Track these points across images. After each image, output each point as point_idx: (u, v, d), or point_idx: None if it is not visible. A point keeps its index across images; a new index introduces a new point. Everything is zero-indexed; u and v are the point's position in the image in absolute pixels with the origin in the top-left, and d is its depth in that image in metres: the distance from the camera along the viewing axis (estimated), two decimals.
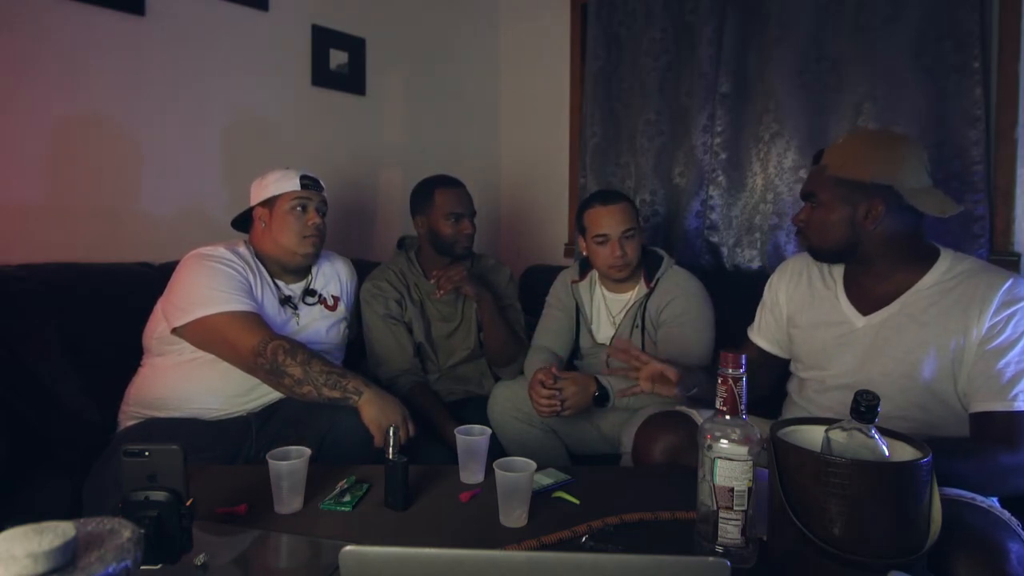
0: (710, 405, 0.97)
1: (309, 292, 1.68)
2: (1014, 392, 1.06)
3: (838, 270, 1.35)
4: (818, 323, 1.32)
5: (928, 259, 1.21)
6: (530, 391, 1.58)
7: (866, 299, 1.26)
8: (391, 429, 1.12)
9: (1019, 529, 1.04)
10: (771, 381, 1.47)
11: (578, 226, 1.80)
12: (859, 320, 1.26)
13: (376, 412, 1.36)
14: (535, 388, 1.56)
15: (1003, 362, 1.08)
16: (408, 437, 1.37)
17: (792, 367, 1.42)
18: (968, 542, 0.85)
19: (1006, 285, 1.12)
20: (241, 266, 1.53)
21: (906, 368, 1.16)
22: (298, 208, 1.59)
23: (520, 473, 1.02)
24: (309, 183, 1.62)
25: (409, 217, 1.98)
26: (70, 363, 1.50)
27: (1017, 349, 1.08)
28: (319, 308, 1.69)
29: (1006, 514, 1.07)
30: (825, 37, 2.00)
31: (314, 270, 1.73)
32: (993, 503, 1.09)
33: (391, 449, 1.10)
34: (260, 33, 2.12)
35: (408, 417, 1.38)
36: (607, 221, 1.69)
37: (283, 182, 1.60)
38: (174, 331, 1.45)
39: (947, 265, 1.19)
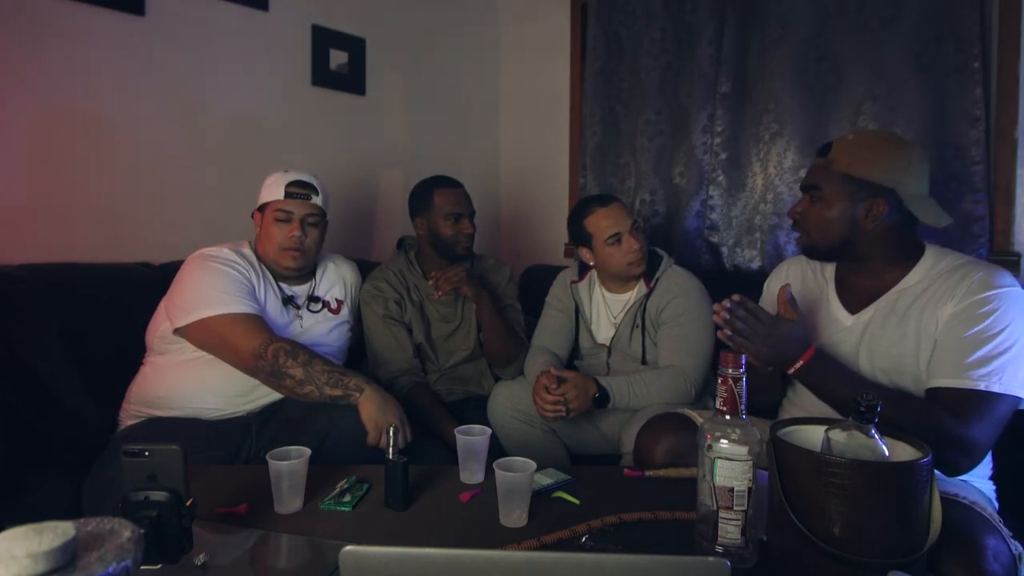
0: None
1: (313, 299, 1.68)
2: (969, 370, 1.07)
3: (830, 270, 1.36)
4: (811, 325, 1.33)
5: (914, 256, 1.23)
6: (534, 396, 1.58)
7: (855, 298, 1.28)
8: (391, 429, 1.12)
9: (1000, 525, 1.05)
10: (774, 387, 1.43)
11: (578, 236, 1.78)
12: (848, 319, 1.27)
13: (375, 410, 1.36)
14: (539, 393, 1.56)
15: (963, 341, 1.10)
16: (405, 441, 1.37)
17: None
18: (947, 538, 0.85)
19: (978, 275, 1.14)
20: (244, 267, 1.53)
21: (890, 363, 1.19)
22: (281, 219, 1.57)
23: (520, 473, 1.02)
24: (295, 192, 1.57)
25: (409, 217, 1.98)
26: (70, 363, 1.50)
27: (976, 330, 1.09)
28: (323, 312, 1.69)
29: (988, 510, 1.08)
30: (825, 37, 2.00)
31: (318, 274, 1.73)
32: (976, 499, 1.09)
33: (391, 449, 1.10)
34: (260, 33, 2.12)
35: (405, 422, 1.38)
36: (613, 220, 1.70)
37: (272, 188, 1.59)
38: (176, 331, 1.45)
39: (931, 262, 1.22)
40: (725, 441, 0.88)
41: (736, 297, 1.14)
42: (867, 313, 1.25)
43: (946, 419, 1.05)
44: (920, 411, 1.08)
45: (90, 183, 1.77)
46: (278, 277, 1.63)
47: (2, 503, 1.25)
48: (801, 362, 1.14)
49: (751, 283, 1.65)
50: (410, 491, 1.10)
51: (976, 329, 1.09)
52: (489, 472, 1.17)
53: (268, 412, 1.52)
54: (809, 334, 1.21)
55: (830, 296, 1.32)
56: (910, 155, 1.21)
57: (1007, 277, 1.14)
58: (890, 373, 1.19)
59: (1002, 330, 1.08)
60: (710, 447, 0.89)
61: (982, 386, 1.06)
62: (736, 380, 0.90)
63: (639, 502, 1.08)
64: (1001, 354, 1.07)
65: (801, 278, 1.40)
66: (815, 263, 1.39)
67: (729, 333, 1.12)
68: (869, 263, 1.25)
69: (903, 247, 1.24)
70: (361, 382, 1.39)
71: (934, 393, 1.12)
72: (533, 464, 1.06)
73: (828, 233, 1.24)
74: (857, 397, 0.85)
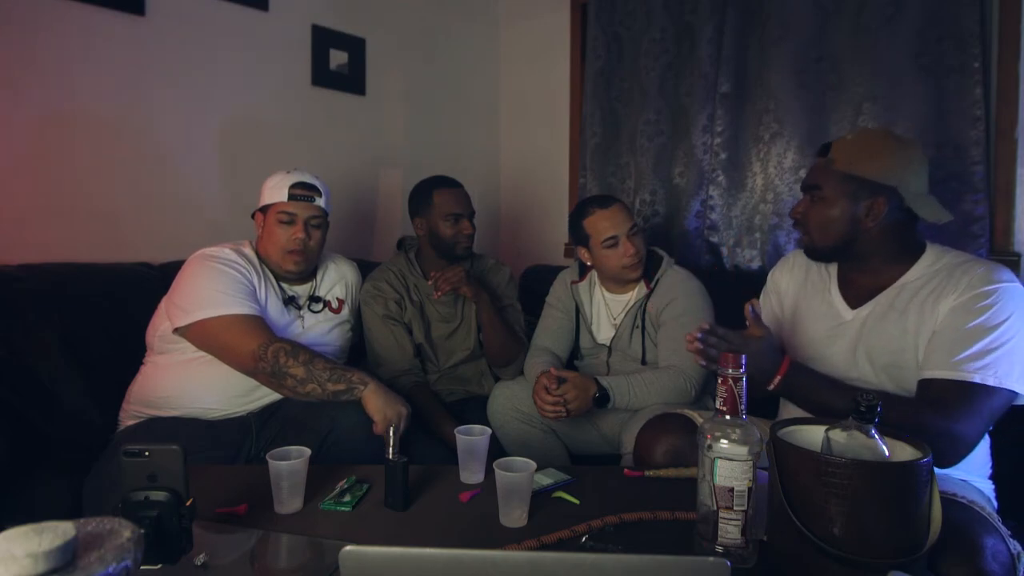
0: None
1: (314, 299, 1.68)
2: (964, 363, 1.07)
3: (833, 264, 1.37)
4: (812, 316, 1.34)
5: (915, 254, 1.24)
6: (534, 396, 1.58)
7: (856, 293, 1.29)
8: (391, 429, 1.12)
9: (999, 524, 1.05)
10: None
11: (576, 236, 1.79)
12: (848, 313, 1.28)
13: (381, 403, 1.36)
14: (539, 394, 1.56)
15: (960, 334, 1.10)
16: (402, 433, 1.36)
17: None
18: (946, 537, 0.85)
19: (980, 270, 1.14)
20: (245, 268, 1.53)
21: (889, 357, 1.19)
22: (284, 221, 1.57)
23: (520, 473, 1.02)
24: (299, 194, 1.57)
25: (409, 217, 1.98)
26: (70, 363, 1.50)
27: (974, 323, 1.09)
28: (324, 312, 1.69)
29: (987, 509, 1.08)
30: (825, 37, 2.00)
31: (319, 274, 1.73)
32: (975, 499, 1.09)
33: (391, 449, 1.10)
34: (260, 33, 2.12)
35: (408, 416, 1.39)
36: (611, 223, 1.70)
37: (275, 190, 1.59)
38: (176, 331, 1.45)
39: (931, 259, 1.22)
40: (725, 441, 0.88)
41: (705, 325, 1.13)
42: (867, 308, 1.25)
43: (929, 416, 1.05)
44: (902, 410, 1.07)
45: (90, 183, 1.77)
46: (279, 277, 1.63)
47: (2, 503, 1.25)
48: (779, 377, 1.15)
49: (751, 283, 1.66)
50: (410, 491, 1.10)
51: (975, 323, 1.09)
52: (489, 472, 1.17)
53: (268, 412, 1.52)
54: (780, 346, 1.21)
55: (832, 290, 1.33)
56: (909, 153, 1.21)
57: (1008, 273, 1.15)
58: (890, 368, 1.19)
59: (1000, 323, 1.08)
60: (710, 447, 0.89)
61: (976, 379, 1.06)
62: (736, 380, 0.90)
63: (639, 502, 1.08)
64: (998, 348, 1.07)
65: (805, 270, 1.41)
66: None
67: (703, 363, 1.12)
68: (870, 261, 1.26)
69: (904, 245, 1.24)
70: (364, 377, 1.40)
71: (925, 385, 1.12)
72: (533, 464, 1.05)
73: (830, 232, 1.25)
74: (857, 397, 0.85)
